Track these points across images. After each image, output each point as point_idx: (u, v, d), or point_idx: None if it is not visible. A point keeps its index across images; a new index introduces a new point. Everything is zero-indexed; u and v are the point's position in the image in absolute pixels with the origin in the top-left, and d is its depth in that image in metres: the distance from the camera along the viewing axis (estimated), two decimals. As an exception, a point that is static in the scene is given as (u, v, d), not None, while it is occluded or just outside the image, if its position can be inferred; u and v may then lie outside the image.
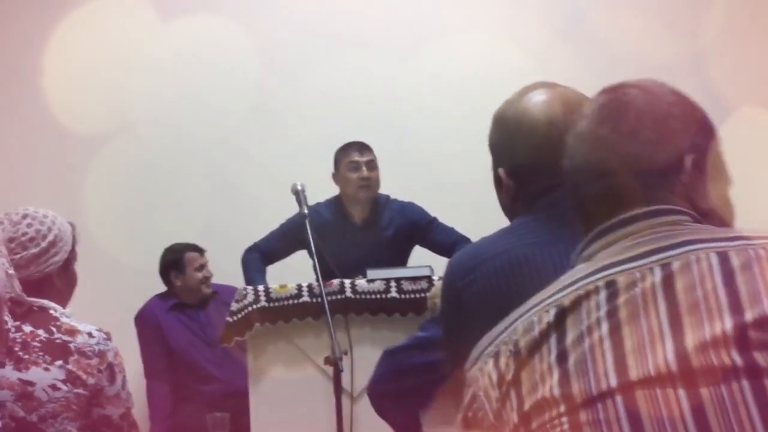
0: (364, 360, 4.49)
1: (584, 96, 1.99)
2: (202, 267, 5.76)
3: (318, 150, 5.85)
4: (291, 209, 4.78)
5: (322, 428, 4.29)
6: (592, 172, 1.43)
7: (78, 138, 6.31)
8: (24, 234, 2.58)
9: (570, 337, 1.31)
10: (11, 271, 2.49)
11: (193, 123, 6.39)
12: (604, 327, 1.29)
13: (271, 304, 4.63)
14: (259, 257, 5.24)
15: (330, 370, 4.14)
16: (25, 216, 2.62)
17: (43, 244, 2.60)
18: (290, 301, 4.62)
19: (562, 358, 1.29)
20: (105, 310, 5.44)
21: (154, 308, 5.79)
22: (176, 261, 5.77)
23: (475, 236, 2.13)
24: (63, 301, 2.65)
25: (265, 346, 4.67)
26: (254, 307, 4.63)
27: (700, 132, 1.48)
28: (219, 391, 5.53)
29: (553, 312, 1.34)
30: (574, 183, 1.46)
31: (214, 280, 5.84)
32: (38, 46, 6.34)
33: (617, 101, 1.46)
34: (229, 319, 4.67)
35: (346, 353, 4.08)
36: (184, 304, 5.79)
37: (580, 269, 1.38)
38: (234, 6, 6.48)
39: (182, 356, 5.66)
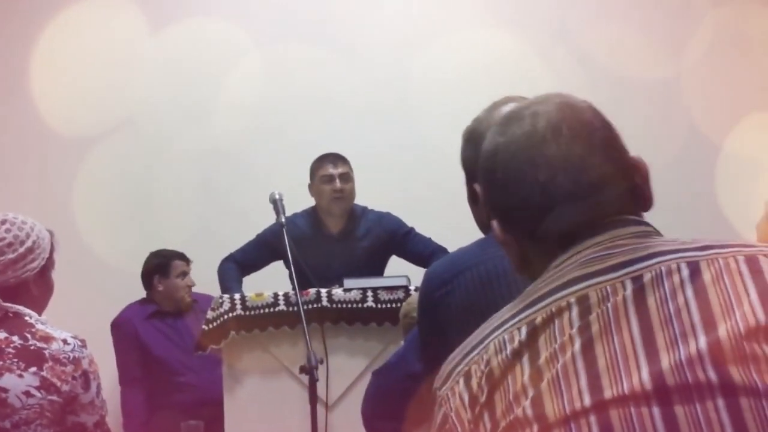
0: (340, 369, 4.51)
1: None
2: (185, 275, 5.74)
3: (307, 157, 5.88)
4: (265, 218, 4.79)
5: (297, 437, 4.29)
6: (557, 185, 1.39)
7: (66, 141, 6.28)
8: (2, 239, 2.58)
9: (543, 356, 1.28)
10: None
11: (182, 128, 6.38)
12: (577, 344, 1.26)
13: (247, 313, 4.62)
14: (236, 267, 5.23)
15: (305, 378, 4.12)
16: (3, 221, 2.61)
17: (21, 250, 2.59)
18: (266, 310, 4.62)
19: (535, 378, 1.27)
20: (91, 314, 5.45)
21: (131, 315, 5.76)
22: (162, 266, 5.74)
23: (468, 241, 2.12)
24: (39, 307, 2.64)
25: (240, 354, 4.66)
26: (230, 315, 4.62)
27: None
28: (194, 399, 5.51)
29: (524, 330, 1.31)
30: (536, 194, 1.40)
31: (197, 289, 5.82)
32: (25, 48, 6.31)
33: (571, 115, 1.43)
34: (204, 327, 4.66)
35: (321, 362, 4.07)
36: (163, 312, 5.76)
37: (549, 280, 1.35)
38: (223, 11, 6.47)
39: (158, 364, 5.63)
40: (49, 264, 2.69)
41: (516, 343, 1.31)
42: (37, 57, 6.32)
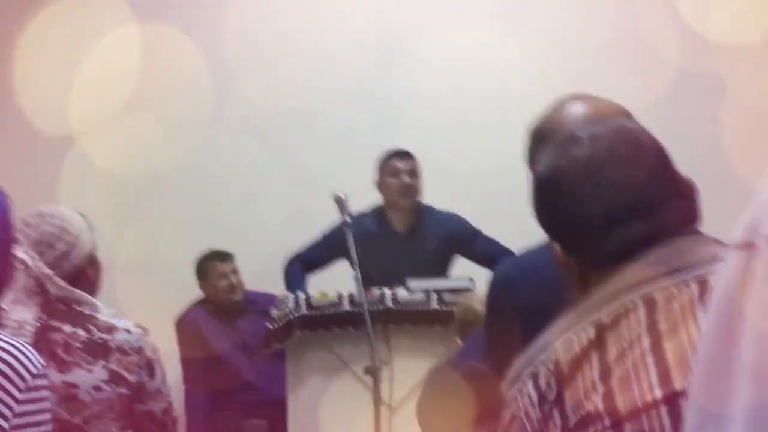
0: (404, 370, 4.50)
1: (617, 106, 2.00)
2: (225, 275, 5.77)
3: (355, 157, 5.89)
4: (330, 216, 4.79)
5: (360, 437, 4.29)
6: (619, 206, 1.45)
7: (114, 146, 6.37)
8: (50, 233, 2.59)
9: (612, 354, 1.34)
10: (47, 271, 2.51)
11: (232, 127, 6.43)
12: (646, 342, 1.32)
13: (312, 312, 4.64)
14: (301, 266, 5.25)
15: (369, 380, 4.14)
16: (41, 215, 2.63)
17: (69, 239, 2.61)
18: (331, 310, 4.64)
19: (605, 374, 1.33)
20: (139, 316, 5.49)
21: (194, 314, 5.81)
22: (199, 269, 5.81)
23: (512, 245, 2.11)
24: (96, 289, 2.67)
25: (304, 354, 4.68)
26: (295, 314, 4.64)
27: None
28: (256, 399, 5.54)
29: (592, 330, 1.37)
30: (599, 216, 1.46)
31: (252, 287, 5.85)
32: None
33: (629, 139, 1.49)
34: (269, 326, 4.68)
35: (385, 363, 4.08)
36: (221, 311, 5.81)
37: (614, 284, 1.40)
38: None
39: (221, 363, 5.67)
40: (94, 245, 2.71)
41: (585, 341, 1.37)
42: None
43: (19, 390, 1.82)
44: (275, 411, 4.90)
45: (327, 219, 5.04)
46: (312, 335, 4.65)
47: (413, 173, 5.21)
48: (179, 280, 5.88)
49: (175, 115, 6.43)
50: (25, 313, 2.43)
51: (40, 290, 2.49)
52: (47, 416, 1.88)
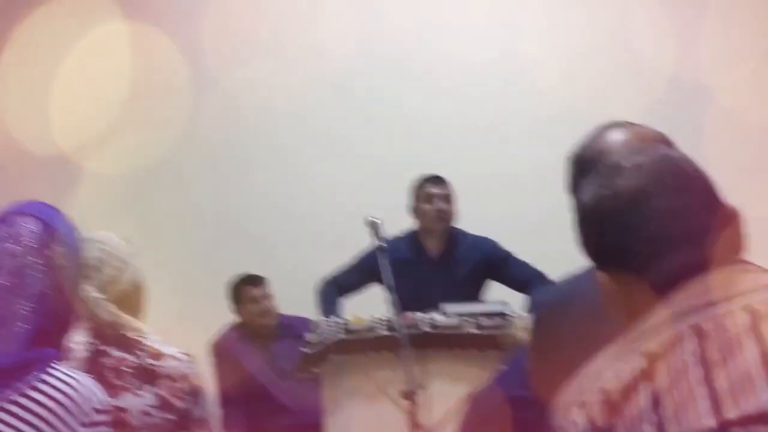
0: (440, 395, 4.49)
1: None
2: (257, 299, 5.79)
3: (384, 179, 5.91)
4: (359, 239, 4.81)
5: (396, 462, 4.29)
6: (665, 235, 1.45)
7: (141, 165, 6.42)
8: (95, 258, 2.62)
9: (662, 383, 1.33)
10: (96, 295, 2.54)
11: (262, 154, 6.48)
12: (697, 371, 1.32)
13: (348, 337, 4.65)
14: (335, 289, 5.26)
15: (405, 404, 4.14)
16: (89, 240, 2.65)
17: (117, 264, 2.65)
18: (367, 334, 4.64)
19: (656, 404, 1.32)
20: (175, 339, 5.52)
21: (229, 337, 5.84)
22: (233, 294, 5.84)
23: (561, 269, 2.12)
24: (142, 311, 2.69)
25: (340, 378, 4.69)
26: (331, 339, 4.64)
27: None
28: (291, 423, 5.55)
29: (642, 359, 1.37)
30: (645, 245, 1.46)
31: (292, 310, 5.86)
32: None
33: (673, 168, 1.50)
34: (305, 350, 4.69)
35: (422, 387, 4.07)
36: (256, 335, 5.83)
37: (662, 314, 1.40)
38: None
39: (255, 386, 5.69)
40: (139, 271, 2.74)
41: (635, 371, 1.36)
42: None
43: (82, 424, 1.84)
44: (312, 435, 4.91)
45: (357, 242, 5.07)
46: (348, 359, 4.66)
47: (447, 199, 5.23)
48: (212, 305, 5.92)
49: (203, 138, 6.49)
50: (77, 336, 2.46)
51: (89, 314, 2.52)
52: None
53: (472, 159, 6.29)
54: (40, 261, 1.95)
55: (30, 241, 1.96)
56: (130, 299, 2.68)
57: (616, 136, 2.02)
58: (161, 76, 6.49)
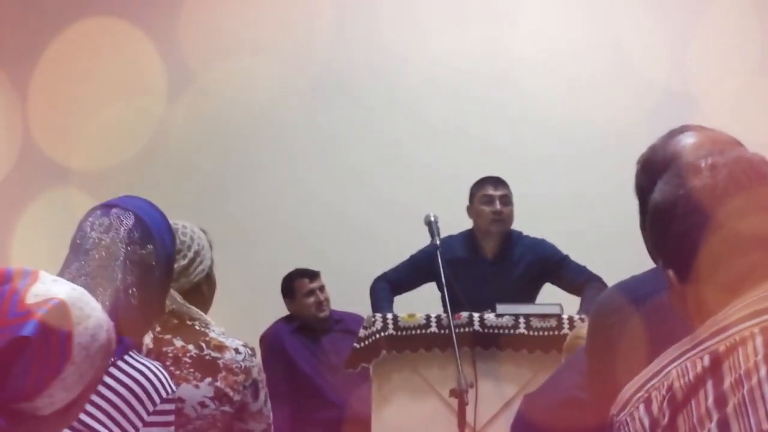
0: (489, 394, 4.49)
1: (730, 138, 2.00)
2: (312, 292, 5.82)
3: (438, 181, 5.92)
4: (417, 239, 4.82)
5: (443, 460, 4.30)
6: (740, 235, 1.45)
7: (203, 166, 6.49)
8: None
9: (727, 381, 1.33)
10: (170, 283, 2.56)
11: (311, 148, 6.53)
12: (763, 371, 1.31)
13: (399, 333, 4.65)
14: (388, 287, 5.26)
15: (454, 402, 4.14)
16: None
17: (190, 255, 2.65)
18: (418, 331, 4.65)
19: (720, 402, 1.31)
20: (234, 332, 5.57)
21: (279, 331, 5.87)
22: (286, 288, 5.87)
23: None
24: (208, 305, 2.70)
25: (390, 374, 4.70)
26: (382, 334, 4.66)
27: None
28: (338, 417, 5.57)
29: (707, 358, 1.36)
30: (719, 244, 1.46)
31: (339, 308, 5.89)
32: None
33: (749, 168, 1.49)
34: (356, 345, 4.71)
35: (471, 386, 4.08)
36: (307, 328, 5.86)
37: (730, 313, 1.39)
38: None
39: (304, 380, 5.72)
40: (212, 263, 2.74)
41: (699, 369, 1.36)
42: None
43: (147, 412, 1.87)
44: (358, 429, 4.92)
45: (412, 240, 5.09)
46: (398, 356, 4.67)
47: (506, 200, 5.22)
48: (265, 298, 5.97)
49: (251, 139, 6.54)
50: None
51: None
52: None
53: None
54: (129, 256, 1.98)
55: (123, 236, 1.99)
56: (201, 291, 2.68)
57: (689, 140, 2.01)
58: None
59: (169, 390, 1.91)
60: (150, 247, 2.00)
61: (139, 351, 1.98)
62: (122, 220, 2.02)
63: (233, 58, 6.53)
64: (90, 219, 2.04)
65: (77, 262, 1.98)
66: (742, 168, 1.48)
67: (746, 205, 1.45)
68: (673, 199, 1.50)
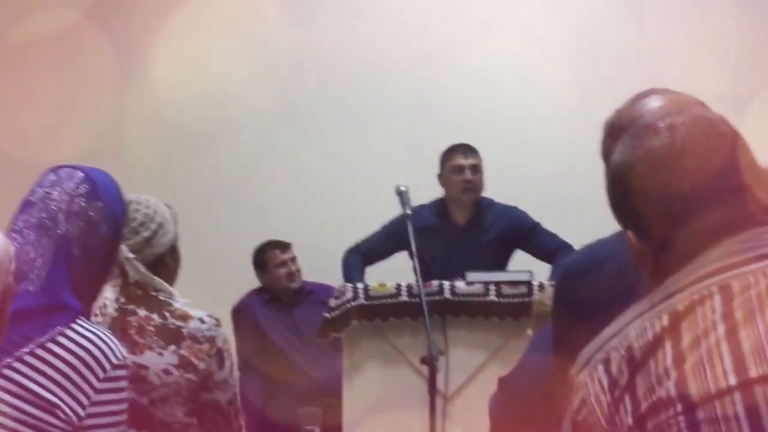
0: (460, 362, 4.52)
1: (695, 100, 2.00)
2: (283, 263, 5.82)
3: (413, 150, 5.94)
4: (387, 209, 4.83)
5: (414, 428, 4.31)
6: (699, 194, 1.45)
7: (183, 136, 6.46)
8: (133, 219, 2.63)
9: (686, 340, 1.33)
10: (128, 255, 2.56)
11: (287, 119, 6.52)
12: (721, 329, 1.32)
13: (370, 302, 4.67)
14: (360, 258, 5.28)
15: (425, 370, 4.15)
16: (128, 203, 2.67)
17: (153, 227, 2.66)
18: (389, 300, 4.66)
19: (678, 360, 1.32)
20: (205, 304, 5.56)
21: (251, 302, 5.87)
22: (257, 260, 5.87)
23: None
24: (173, 280, 2.71)
25: (361, 343, 4.71)
26: (353, 304, 4.67)
27: None
28: (310, 387, 5.57)
29: (666, 317, 1.36)
30: (678, 204, 1.46)
31: (310, 279, 5.89)
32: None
33: (708, 127, 1.49)
34: (327, 315, 4.71)
35: (442, 354, 4.09)
36: (278, 300, 5.86)
37: (689, 272, 1.40)
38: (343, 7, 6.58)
39: (276, 351, 5.72)
40: (176, 236, 2.76)
41: (658, 328, 1.36)
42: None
43: (98, 379, 1.88)
44: (330, 399, 4.92)
45: (383, 211, 5.09)
46: (369, 325, 4.68)
47: (476, 169, 5.23)
48: (236, 271, 5.96)
49: (231, 106, 6.51)
50: (108, 294, 2.48)
51: (120, 273, 2.54)
52: (124, 406, 1.94)
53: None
54: (74, 207, 1.99)
55: (72, 192, 2.00)
56: (165, 263, 2.69)
57: (653, 102, 2.01)
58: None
59: (120, 356, 1.91)
60: (97, 204, 2.01)
61: (88, 317, 1.97)
62: (71, 176, 2.04)
63: (186, 32, 6.50)
64: (40, 179, 2.06)
65: (24, 215, 2.00)
66: (700, 127, 1.48)
67: (704, 164, 1.45)
68: (632, 160, 1.49)
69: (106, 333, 1.95)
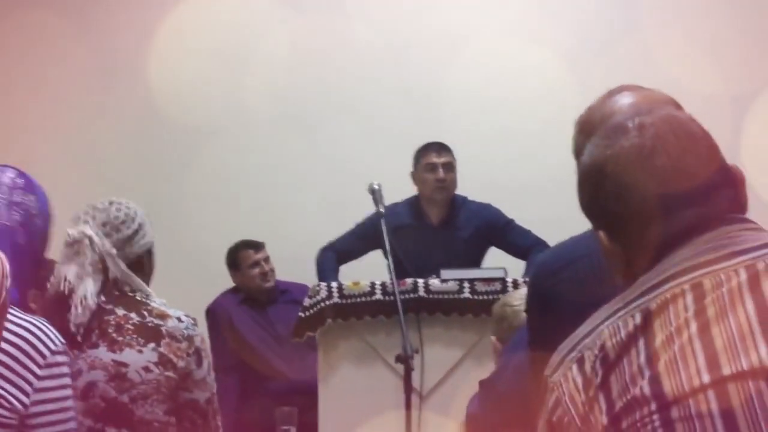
0: (435, 359, 4.52)
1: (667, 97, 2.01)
2: (256, 263, 5.80)
3: (391, 147, 5.93)
4: (364, 207, 4.82)
5: (390, 426, 4.30)
6: (669, 194, 1.45)
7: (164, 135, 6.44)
8: (116, 218, 2.65)
9: (659, 338, 1.34)
10: (111, 250, 2.57)
11: (267, 118, 6.49)
12: (693, 327, 1.33)
13: (344, 301, 4.66)
14: (334, 256, 5.27)
15: (400, 368, 4.15)
16: (111, 203, 2.70)
17: (134, 226, 2.68)
18: (363, 299, 4.66)
19: (652, 359, 1.33)
20: (179, 304, 5.54)
21: (225, 302, 5.85)
22: (231, 260, 5.86)
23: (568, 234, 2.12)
24: (147, 283, 2.73)
25: (336, 342, 4.71)
26: (327, 303, 4.66)
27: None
28: (286, 387, 5.57)
29: (639, 316, 1.37)
30: (648, 204, 1.46)
31: (284, 278, 5.88)
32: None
33: (677, 127, 1.49)
34: (301, 314, 4.71)
35: (417, 352, 4.10)
36: (252, 299, 5.85)
37: (661, 271, 1.41)
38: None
39: (251, 351, 5.71)
40: (153, 240, 2.78)
41: (631, 327, 1.37)
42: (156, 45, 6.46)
43: (39, 366, 1.89)
44: (306, 399, 4.92)
45: (359, 209, 5.08)
46: (344, 324, 4.68)
47: (449, 167, 5.23)
48: (210, 270, 5.94)
49: (207, 107, 6.49)
50: (90, 287, 2.50)
51: (102, 268, 2.56)
52: (68, 392, 1.95)
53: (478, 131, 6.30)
54: (20, 202, 2.03)
55: (11, 185, 2.04)
56: (141, 265, 2.70)
57: (625, 100, 2.01)
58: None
59: (58, 343, 1.94)
60: (32, 197, 2.08)
61: (25, 308, 2.00)
62: (4, 171, 2.16)
63: (177, 30, 6.47)
64: None
65: None
66: (670, 127, 1.48)
67: (674, 163, 1.45)
68: (602, 160, 1.49)
69: (41, 321, 1.98)
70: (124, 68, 6.48)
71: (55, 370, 1.92)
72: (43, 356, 1.90)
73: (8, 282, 1.63)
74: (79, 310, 2.46)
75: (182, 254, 5.89)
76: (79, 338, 2.46)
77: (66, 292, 2.48)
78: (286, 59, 6.50)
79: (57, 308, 2.45)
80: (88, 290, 2.51)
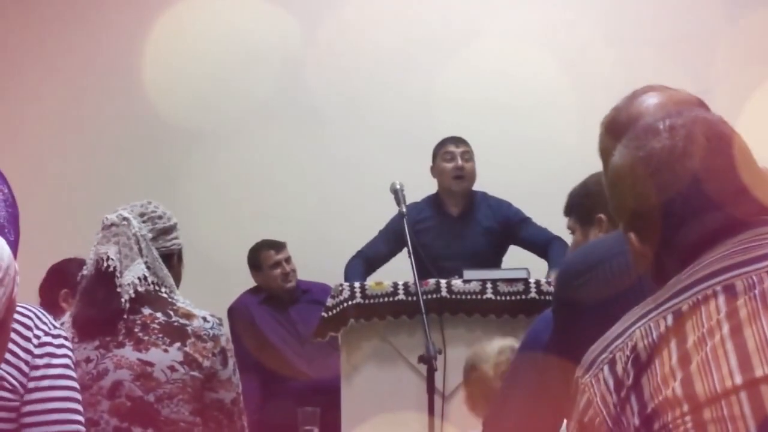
0: (458, 360, 4.50)
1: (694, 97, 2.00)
2: (278, 264, 5.81)
3: (408, 149, 5.95)
4: (368, 208, 4.83)
5: (412, 427, 4.31)
6: (700, 195, 1.45)
7: (174, 136, 6.46)
8: (153, 211, 2.72)
9: (691, 340, 1.34)
10: (148, 234, 2.60)
11: (295, 130, 6.49)
12: (725, 328, 1.33)
13: (367, 301, 4.66)
14: (361, 263, 5.27)
15: (423, 368, 4.15)
16: (149, 202, 2.76)
17: (170, 223, 2.74)
18: (386, 299, 4.65)
19: (684, 360, 1.33)
20: (201, 305, 5.56)
21: (246, 302, 5.87)
22: (252, 260, 5.86)
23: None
24: (178, 280, 2.74)
25: (358, 342, 4.70)
26: (350, 303, 4.66)
27: None
28: (308, 387, 5.57)
29: (670, 317, 1.37)
30: (679, 205, 1.47)
31: (306, 278, 5.89)
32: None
33: (708, 128, 1.49)
34: (324, 314, 4.71)
35: (440, 352, 4.09)
36: (274, 300, 5.85)
37: (692, 272, 1.41)
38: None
39: (273, 351, 5.72)
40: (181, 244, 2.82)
41: (663, 329, 1.37)
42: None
43: (35, 346, 1.91)
44: (328, 399, 4.93)
45: (363, 210, 5.09)
46: (366, 324, 4.67)
47: (468, 156, 5.29)
48: (226, 271, 5.95)
49: (208, 107, 6.50)
50: (137, 271, 2.52)
51: (138, 249, 2.58)
52: (69, 382, 1.94)
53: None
54: (4, 199, 2.06)
55: None
56: (172, 265, 2.74)
57: (651, 100, 2.00)
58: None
59: (53, 327, 1.93)
60: (5, 190, 2.09)
61: (56, 308, 2.02)
62: None
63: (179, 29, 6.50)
64: None
65: None
66: (700, 128, 1.49)
67: (705, 165, 1.45)
68: (632, 162, 1.50)
69: (36, 307, 1.98)
70: (135, 66, 6.49)
71: (52, 350, 1.92)
72: (38, 337, 1.91)
73: (18, 278, 1.64)
74: (128, 283, 2.50)
75: (186, 255, 5.88)
76: (119, 314, 2.47)
77: (111, 269, 2.51)
78: (286, 59, 6.51)
79: (96, 289, 2.48)
80: (139, 270, 2.55)
